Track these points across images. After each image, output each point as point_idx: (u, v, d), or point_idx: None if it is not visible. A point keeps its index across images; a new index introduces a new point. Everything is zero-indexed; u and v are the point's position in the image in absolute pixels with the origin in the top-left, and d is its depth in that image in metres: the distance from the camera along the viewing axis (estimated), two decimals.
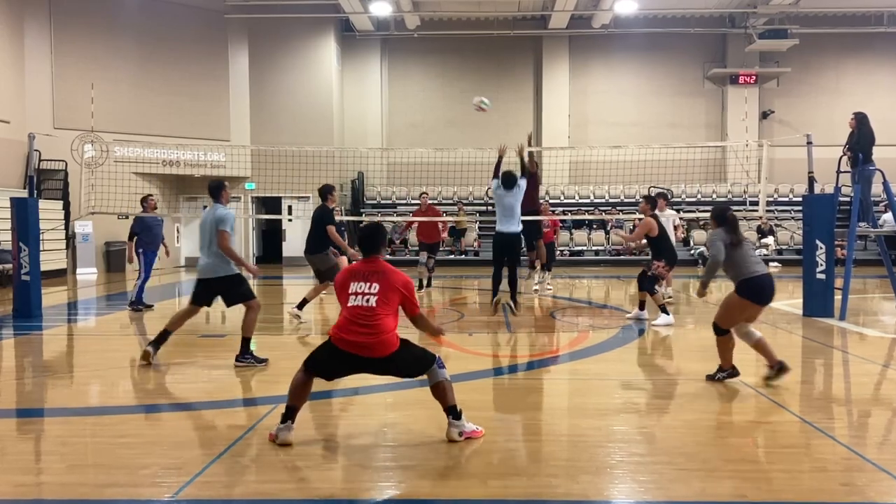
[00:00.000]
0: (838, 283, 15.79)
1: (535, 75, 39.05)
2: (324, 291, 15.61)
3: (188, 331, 12.90)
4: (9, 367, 11.82)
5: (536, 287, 20.45)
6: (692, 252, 33.35)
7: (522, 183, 15.98)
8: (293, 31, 35.07)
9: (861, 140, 15.92)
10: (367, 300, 7.09)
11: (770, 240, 33.55)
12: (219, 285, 11.40)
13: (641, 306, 15.51)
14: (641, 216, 15.57)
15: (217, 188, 11.71)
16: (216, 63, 34.24)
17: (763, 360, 9.71)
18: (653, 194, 19.05)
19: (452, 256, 33.38)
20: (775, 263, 32.25)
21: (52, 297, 20.61)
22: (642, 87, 38.76)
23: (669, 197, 15.98)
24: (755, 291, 9.57)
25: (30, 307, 16.47)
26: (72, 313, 18.69)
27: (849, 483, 6.22)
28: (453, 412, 7.32)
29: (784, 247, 33.58)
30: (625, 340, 13.25)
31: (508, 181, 15.78)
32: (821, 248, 15.59)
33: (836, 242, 16.49)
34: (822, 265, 15.58)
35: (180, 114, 32.45)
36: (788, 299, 19.14)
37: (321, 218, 15.13)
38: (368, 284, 7.16)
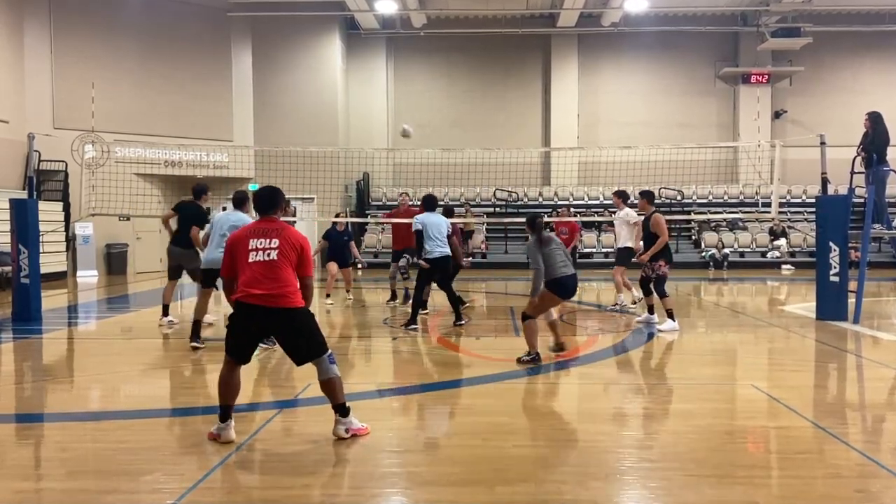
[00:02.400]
0: (852, 285, 15.73)
1: (543, 74, 39.01)
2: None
3: (190, 334, 12.91)
4: (8, 371, 11.82)
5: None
6: (703, 255, 33.34)
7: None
8: (297, 29, 35.12)
9: (875, 140, 15.90)
10: (269, 255, 7.33)
11: (782, 242, 33.49)
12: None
13: (651, 310, 15.39)
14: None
15: (241, 199, 13.08)
16: (219, 62, 34.32)
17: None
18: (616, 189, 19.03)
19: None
20: (788, 266, 32.22)
21: (52, 300, 20.63)
22: (653, 87, 38.72)
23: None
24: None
25: (29, 310, 16.46)
26: (72, 317, 18.71)
27: (863, 489, 6.20)
28: (341, 409, 7.51)
29: (797, 249, 33.48)
30: (634, 344, 13.24)
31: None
32: (834, 250, 15.55)
33: (850, 244, 16.44)
34: (835, 267, 15.55)
35: (182, 114, 32.53)
36: (801, 302, 19.14)
37: (194, 217, 15.20)
38: (268, 240, 7.39)
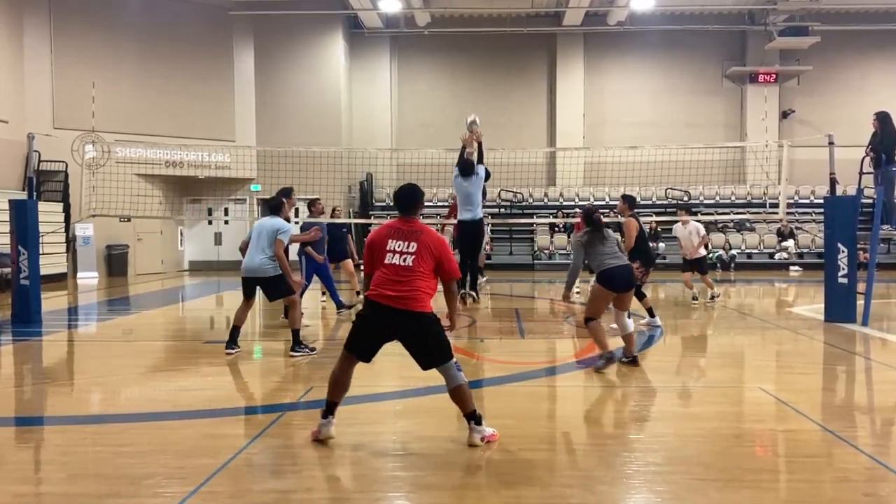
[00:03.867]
0: (861, 287, 15.70)
1: (548, 74, 39.02)
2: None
3: (192, 337, 12.92)
4: (7, 373, 11.84)
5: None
6: (710, 256, 33.32)
7: (480, 171, 16.22)
8: (300, 28, 35.14)
9: (884, 140, 15.86)
10: (405, 259, 7.36)
11: (790, 243, 33.50)
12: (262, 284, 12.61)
13: (651, 313, 15.28)
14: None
15: (277, 206, 12.92)
16: (220, 61, 34.35)
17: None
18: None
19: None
20: (796, 267, 32.21)
21: (52, 301, 20.67)
22: (659, 86, 38.71)
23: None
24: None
25: (29, 312, 16.47)
26: (72, 318, 18.74)
27: (872, 493, 6.20)
28: (474, 417, 7.46)
29: (805, 250, 33.51)
30: (640, 347, 13.22)
31: (465, 170, 16.23)
32: (843, 251, 15.54)
33: (859, 246, 16.42)
34: (844, 269, 15.53)
35: (184, 113, 32.56)
36: (809, 304, 19.11)
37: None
38: (407, 244, 7.41)
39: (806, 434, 7.85)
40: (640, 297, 14.78)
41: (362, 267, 7.83)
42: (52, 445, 7.83)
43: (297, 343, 12.33)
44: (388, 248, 7.44)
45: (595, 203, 35.50)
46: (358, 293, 20.02)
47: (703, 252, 18.87)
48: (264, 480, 6.61)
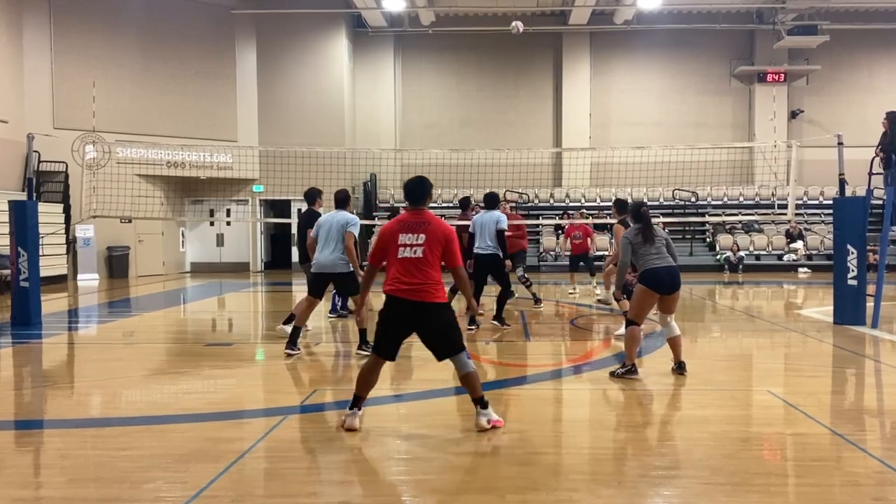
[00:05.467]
0: (870, 289, 15.67)
1: (554, 74, 39.04)
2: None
3: (194, 339, 12.93)
4: (7, 376, 11.85)
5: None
6: (717, 257, 33.30)
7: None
8: (303, 27, 35.14)
9: (894, 140, 15.85)
10: (415, 251, 7.83)
11: (799, 244, 33.46)
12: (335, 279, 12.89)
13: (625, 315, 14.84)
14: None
15: (344, 199, 13.10)
16: (223, 61, 34.36)
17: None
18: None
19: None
20: (804, 269, 32.19)
21: (52, 303, 20.68)
22: (666, 86, 38.72)
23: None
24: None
25: (29, 314, 16.49)
26: (72, 321, 18.76)
27: (881, 498, 6.18)
28: (482, 402, 8.07)
29: (814, 252, 33.46)
30: (647, 349, 13.21)
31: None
32: (852, 252, 15.51)
33: (868, 247, 16.41)
34: (853, 271, 15.51)
35: (185, 113, 32.61)
36: (818, 306, 19.10)
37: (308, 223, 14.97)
38: (416, 235, 7.88)
39: (815, 438, 7.84)
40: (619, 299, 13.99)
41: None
42: (52, 449, 7.83)
43: (363, 341, 12.25)
44: (399, 243, 7.87)
45: (602, 204, 35.56)
46: None
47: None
48: (267, 485, 6.61)
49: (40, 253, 17.61)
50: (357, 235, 12.53)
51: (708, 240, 35.77)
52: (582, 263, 21.88)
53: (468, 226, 15.95)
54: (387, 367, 8.36)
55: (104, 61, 31.17)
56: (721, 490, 6.29)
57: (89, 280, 29.56)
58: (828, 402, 9.49)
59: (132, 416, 9.05)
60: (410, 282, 7.72)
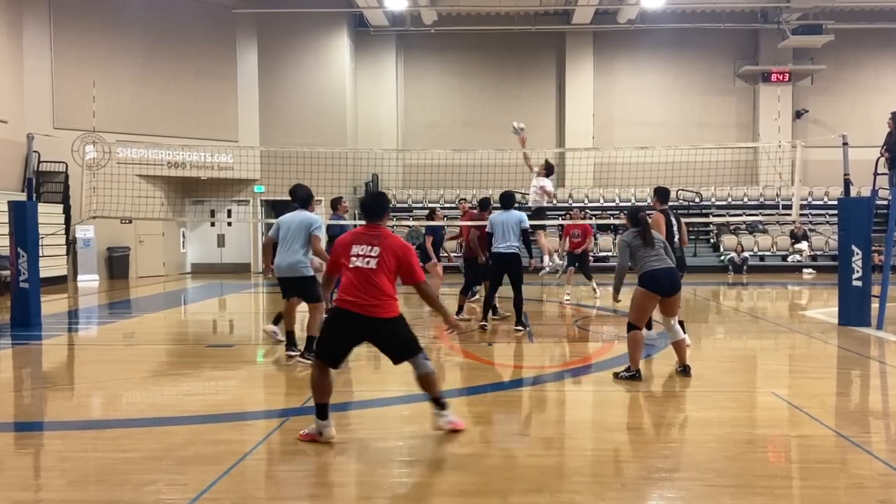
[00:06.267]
0: (875, 290, 15.69)
1: (557, 73, 39.03)
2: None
3: (194, 341, 12.93)
4: (6, 378, 11.85)
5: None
6: (721, 258, 33.29)
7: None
8: (304, 26, 35.15)
9: None
10: (368, 262, 7.62)
11: (804, 245, 33.44)
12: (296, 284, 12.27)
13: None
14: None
15: (306, 198, 12.33)
16: (224, 60, 34.38)
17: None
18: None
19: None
20: (809, 270, 32.17)
21: (52, 305, 20.69)
22: (670, 85, 38.71)
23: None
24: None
25: (28, 316, 16.50)
26: (72, 322, 18.77)
27: (886, 500, 6.19)
28: (440, 403, 8.01)
29: (818, 252, 33.43)
30: (651, 351, 13.19)
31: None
32: (857, 253, 15.50)
33: (873, 248, 16.40)
34: (858, 272, 15.49)
35: (186, 113, 32.62)
36: (823, 307, 19.09)
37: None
38: (370, 247, 7.68)
39: (819, 440, 7.84)
40: None
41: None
42: (52, 451, 7.85)
43: (308, 349, 11.82)
44: (352, 253, 7.71)
45: (605, 204, 35.57)
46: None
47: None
48: (268, 487, 6.63)
49: (40, 254, 17.61)
50: (323, 237, 12.14)
51: (712, 240, 35.78)
52: (577, 265, 21.47)
53: (485, 226, 16.02)
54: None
55: (104, 61, 31.17)
56: (725, 492, 6.29)
57: (89, 281, 29.57)
58: (832, 403, 9.50)
59: (133, 418, 9.06)
60: (362, 296, 7.52)
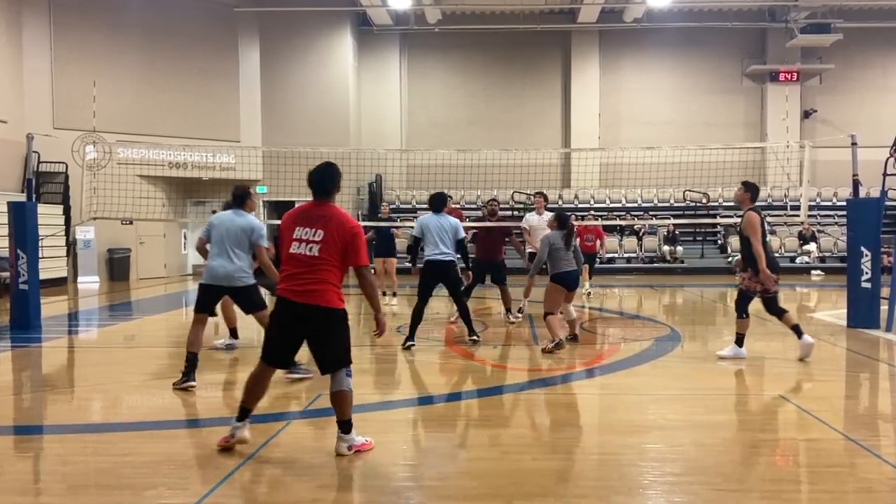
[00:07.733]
0: (884, 292, 15.68)
1: (563, 72, 39.04)
2: None
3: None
4: (6, 381, 11.86)
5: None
6: (729, 260, 33.25)
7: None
8: (307, 25, 35.15)
9: None
10: (311, 248, 7.10)
11: (812, 246, 33.43)
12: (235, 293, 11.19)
13: (798, 331, 12.46)
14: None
15: (242, 196, 11.52)
16: (225, 59, 34.38)
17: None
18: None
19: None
20: (818, 271, 32.14)
21: (52, 307, 20.68)
22: (677, 85, 38.69)
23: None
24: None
25: (28, 318, 16.45)
26: (72, 324, 18.78)
27: None
28: (345, 426, 7.33)
29: (827, 254, 33.45)
30: (658, 354, 13.20)
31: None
32: (866, 254, 15.46)
33: (883, 249, 16.39)
34: (867, 273, 15.46)
35: (187, 113, 32.60)
36: (832, 309, 19.06)
37: None
38: (313, 231, 7.12)
39: (828, 443, 7.83)
40: (779, 312, 12.67)
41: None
42: (52, 455, 7.85)
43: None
44: (294, 237, 7.18)
45: (611, 205, 35.54)
46: (394, 294, 20.30)
47: None
48: (269, 491, 6.62)
49: (40, 255, 17.63)
50: (265, 241, 11.08)
51: (719, 242, 35.74)
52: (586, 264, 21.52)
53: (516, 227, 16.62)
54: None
55: (105, 60, 31.18)
56: (732, 497, 6.29)
57: (89, 282, 29.59)
58: (841, 406, 9.49)
59: (133, 422, 9.07)
60: (302, 284, 7.04)
